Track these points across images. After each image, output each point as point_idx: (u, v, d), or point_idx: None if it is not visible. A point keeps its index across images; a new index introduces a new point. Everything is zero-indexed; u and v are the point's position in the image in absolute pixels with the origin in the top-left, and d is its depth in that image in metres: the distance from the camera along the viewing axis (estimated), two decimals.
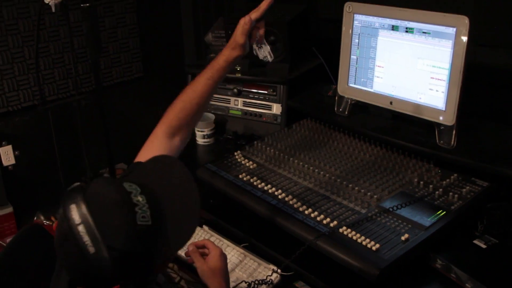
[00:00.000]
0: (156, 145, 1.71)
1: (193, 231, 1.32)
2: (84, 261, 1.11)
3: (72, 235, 1.11)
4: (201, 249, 1.73)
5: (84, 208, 1.12)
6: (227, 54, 1.82)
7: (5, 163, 3.39)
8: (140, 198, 1.19)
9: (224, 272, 1.67)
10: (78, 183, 1.22)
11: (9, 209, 3.40)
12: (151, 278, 1.26)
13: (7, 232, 3.42)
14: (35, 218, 3.59)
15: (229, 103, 2.84)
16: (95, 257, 1.10)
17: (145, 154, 1.67)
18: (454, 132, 2.06)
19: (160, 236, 1.21)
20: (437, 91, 2.08)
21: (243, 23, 1.80)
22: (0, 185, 3.38)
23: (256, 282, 1.80)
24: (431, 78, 2.10)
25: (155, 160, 1.42)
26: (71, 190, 1.18)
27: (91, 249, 1.10)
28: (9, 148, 3.39)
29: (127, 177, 1.30)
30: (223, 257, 1.70)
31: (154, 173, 1.35)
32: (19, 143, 3.42)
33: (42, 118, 3.45)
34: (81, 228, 1.10)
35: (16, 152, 3.42)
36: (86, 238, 1.10)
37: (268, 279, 1.81)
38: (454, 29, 1.97)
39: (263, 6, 1.84)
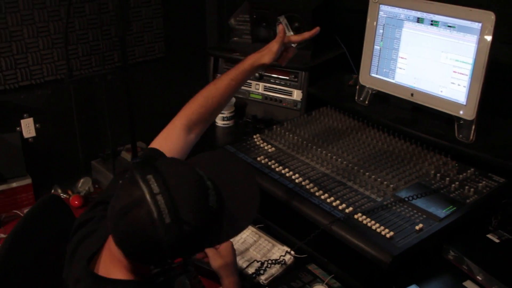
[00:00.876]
0: (174, 137, 1.72)
1: (243, 228, 1.38)
2: (153, 230, 1.13)
3: (147, 203, 1.13)
4: None
5: (162, 180, 1.16)
6: (255, 58, 1.87)
7: (26, 135, 3.45)
8: (209, 183, 1.24)
9: (234, 262, 1.74)
10: (137, 159, 1.25)
11: (27, 180, 3.45)
12: (190, 270, 1.30)
13: (25, 202, 3.48)
14: (52, 191, 3.64)
15: (250, 87, 2.87)
16: (168, 227, 1.13)
17: (162, 143, 1.68)
18: (473, 126, 2.07)
19: (219, 222, 1.25)
20: (459, 85, 2.09)
21: (278, 34, 1.88)
22: (20, 156, 3.43)
23: (270, 261, 1.83)
24: (454, 72, 2.10)
25: (215, 153, 1.50)
26: (141, 162, 1.21)
27: (167, 219, 1.13)
28: (30, 120, 3.44)
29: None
30: (234, 249, 1.76)
31: (214, 166, 1.39)
32: (41, 116, 3.47)
33: (64, 93, 3.49)
34: (159, 198, 1.13)
35: (37, 125, 3.47)
36: (163, 208, 1.13)
37: (281, 260, 1.84)
38: (480, 24, 1.97)
39: (306, 35, 1.93)
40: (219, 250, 1.74)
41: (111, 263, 1.31)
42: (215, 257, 1.72)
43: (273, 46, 1.87)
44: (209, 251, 1.74)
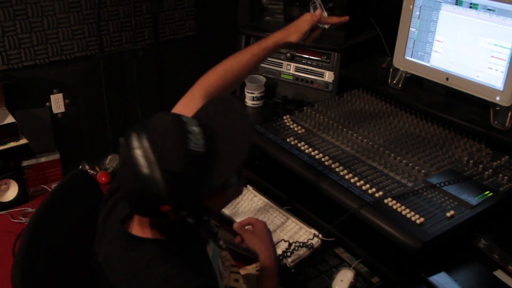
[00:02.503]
0: (191, 107, 1.70)
1: (238, 165, 1.36)
2: (139, 184, 1.19)
3: (130, 160, 1.20)
4: (246, 226, 1.80)
5: (143, 135, 1.21)
6: (280, 36, 1.84)
7: (55, 110, 3.48)
8: (195, 128, 1.26)
9: (270, 239, 1.74)
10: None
11: (56, 156, 3.49)
12: (207, 221, 1.30)
13: (53, 177, 3.52)
14: (80, 167, 3.67)
15: (281, 67, 2.83)
16: (148, 178, 1.18)
17: (181, 110, 1.67)
18: (510, 113, 2.02)
19: (210, 165, 1.27)
20: (496, 70, 2.03)
21: (313, 16, 1.85)
22: (49, 131, 3.46)
23: (297, 243, 1.81)
24: (491, 56, 2.05)
25: (215, 99, 1.51)
26: (137, 123, 1.27)
27: (145, 171, 1.18)
28: (59, 96, 3.47)
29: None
30: (268, 229, 1.77)
31: (214, 111, 1.43)
32: (70, 92, 3.50)
33: (94, 69, 3.50)
34: (138, 152, 1.19)
35: (67, 101, 3.50)
36: (141, 161, 1.19)
37: (309, 243, 1.82)
38: None
39: (334, 20, 1.91)
40: (253, 230, 1.75)
41: (140, 224, 1.36)
42: (250, 237, 1.74)
43: (303, 26, 1.83)
44: (244, 233, 1.76)
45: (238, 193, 1.48)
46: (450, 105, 2.27)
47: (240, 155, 1.34)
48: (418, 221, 1.67)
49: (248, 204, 2.03)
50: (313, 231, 1.87)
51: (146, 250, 1.32)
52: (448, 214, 1.70)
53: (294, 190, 2.05)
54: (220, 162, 1.29)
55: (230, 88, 1.83)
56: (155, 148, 1.20)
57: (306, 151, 2.06)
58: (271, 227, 1.89)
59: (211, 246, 1.51)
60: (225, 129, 1.34)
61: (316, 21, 1.85)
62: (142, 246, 1.33)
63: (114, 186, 1.56)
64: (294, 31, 1.83)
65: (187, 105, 1.70)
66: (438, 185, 1.84)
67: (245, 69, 1.81)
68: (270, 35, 1.85)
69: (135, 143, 1.20)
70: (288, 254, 1.78)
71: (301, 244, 1.81)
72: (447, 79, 2.21)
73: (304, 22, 1.85)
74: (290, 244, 1.81)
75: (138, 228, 1.37)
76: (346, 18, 1.93)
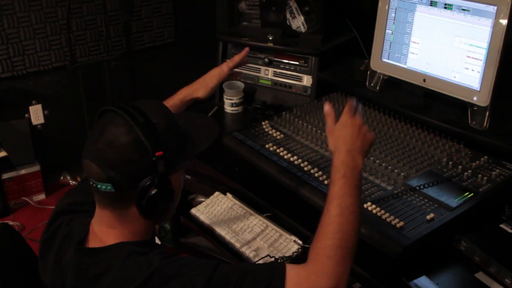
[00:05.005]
0: None
1: (211, 140, 1.47)
2: (133, 133, 1.26)
3: (123, 119, 1.27)
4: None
5: (120, 111, 1.29)
6: (186, 93, 1.90)
7: (35, 122, 3.45)
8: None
9: (346, 139, 1.51)
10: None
11: (36, 167, 3.46)
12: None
13: (34, 189, 3.49)
14: (61, 178, 3.65)
15: (260, 73, 2.82)
16: (144, 125, 1.26)
17: None
18: (487, 113, 2.02)
19: (185, 137, 1.39)
20: (472, 70, 2.03)
21: (220, 71, 1.96)
22: (29, 143, 3.43)
23: (284, 258, 1.77)
24: (467, 57, 2.04)
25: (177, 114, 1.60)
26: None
27: (141, 119, 1.26)
28: (38, 107, 3.44)
29: None
30: (353, 127, 1.53)
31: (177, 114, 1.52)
32: (49, 103, 3.47)
33: (73, 79, 3.48)
34: (123, 117, 1.27)
35: (46, 112, 3.47)
36: (135, 114, 1.27)
37: (294, 256, 1.78)
38: (495, 7, 1.91)
39: (237, 59, 2.07)
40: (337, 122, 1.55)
41: (101, 235, 1.36)
42: (330, 127, 1.57)
43: (211, 82, 1.91)
44: (328, 119, 1.58)
45: (182, 184, 1.48)
46: (428, 107, 2.26)
47: (208, 136, 1.46)
48: (398, 225, 1.66)
49: (227, 212, 2.01)
50: (294, 238, 1.85)
51: (119, 252, 1.31)
52: (428, 217, 1.69)
53: (274, 197, 2.03)
54: (195, 137, 1.41)
55: None
56: (149, 110, 1.30)
57: (285, 157, 2.04)
58: (250, 236, 1.88)
59: None
60: (192, 122, 1.47)
61: (224, 76, 1.90)
62: (112, 252, 1.32)
63: (48, 234, 1.51)
64: (201, 87, 1.90)
65: None
66: (417, 187, 1.83)
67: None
68: (178, 91, 1.90)
69: (128, 108, 1.29)
70: None
71: (287, 258, 1.78)
72: (424, 80, 2.20)
73: (212, 78, 1.90)
74: (276, 259, 1.78)
75: (99, 240, 1.36)
76: (247, 49, 2.13)
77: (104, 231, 1.36)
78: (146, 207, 1.31)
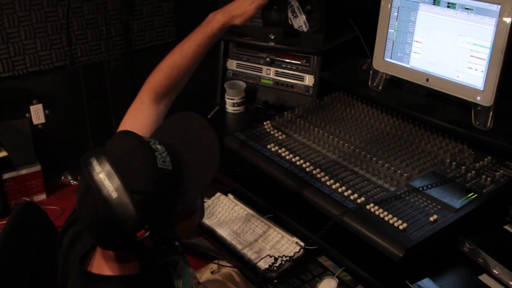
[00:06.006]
0: (143, 111, 1.66)
1: (208, 182, 1.30)
2: (108, 210, 1.09)
3: (94, 185, 1.10)
4: None
5: (103, 158, 1.12)
6: (225, 21, 1.77)
7: (35, 121, 3.43)
8: (159, 146, 1.20)
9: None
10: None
11: (37, 167, 3.45)
12: (177, 248, 1.23)
13: (35, 189, 3.48)
14: (62, 178, 3.64)
15: (261, 72, 2.80)
16: (118, 201, 1.09)
17: (131, 121, 1.63)
18: (491, 113, 2.00)
19: (179, 182, 1.21)
20: (476, 70, 2.01)
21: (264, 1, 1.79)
22: (29, 143, 3.42)
23: (284, 257, 1.76)
24: (471, 56, 2.03)
25: (171, 118, 1.43)
26: (91, 148, 1.18)
27: (114, 194, 1.09)
28: (39, 107, 3.43)
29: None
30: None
31: (172, 130, 1.38)
32: (50, 103, 3.45)
33: (73, 79, 3.47)
34: (102, 176, 1.10)
35: (47, 111, 3.46)
36: (108, 184, 1.09)
37: (295, 256, 1.77)
38: (499, 6, 1.89)
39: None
40: None
41: (103, 260, 1.28)
42: None
43: (251, 10, 1.77)
44: None
45: (202, 216, 1.42)
46: (431, 106, 2.24)
47: (208, 171, 1.30)
48: (401, 227, 1.65)
49: (229, 213, 2.00)
50: (296, 239, 1.84)
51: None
52: (432, 219, 1.68)
53: (276, 198, 2.01)
54: (188, 180, 1.23)
55: (179, 86, 1.77)
56: (120, 169, 1.11)
57: (287, 157, 2.03)
58: (252, 237, 1.86)
59: (181, 265, 1.46)
60: (187, 146, 1.29)
61: (262, 4, 1.78)
62: (104, 285, 1.27)
63: (68, 222, 1.48)
64: (240, 14, 1.77)
65: (136, 115, 1.65)
66: (420, 188, 1.81)
67: (192, 62, 1.74)
68: (211, 19, 1.77)
69: (96, 167, 1.10)
70: (275, 268, 1.73)
71: (288, 258, 1.76)
72: (427, 80, 2.19)
73: (252, 4, 1.78)
74: (276, 259, 1.76)
75: (99, 265, 1.30)
76: None
77: (105, 261, 1.30)
78: (150, 262, 1.27)
